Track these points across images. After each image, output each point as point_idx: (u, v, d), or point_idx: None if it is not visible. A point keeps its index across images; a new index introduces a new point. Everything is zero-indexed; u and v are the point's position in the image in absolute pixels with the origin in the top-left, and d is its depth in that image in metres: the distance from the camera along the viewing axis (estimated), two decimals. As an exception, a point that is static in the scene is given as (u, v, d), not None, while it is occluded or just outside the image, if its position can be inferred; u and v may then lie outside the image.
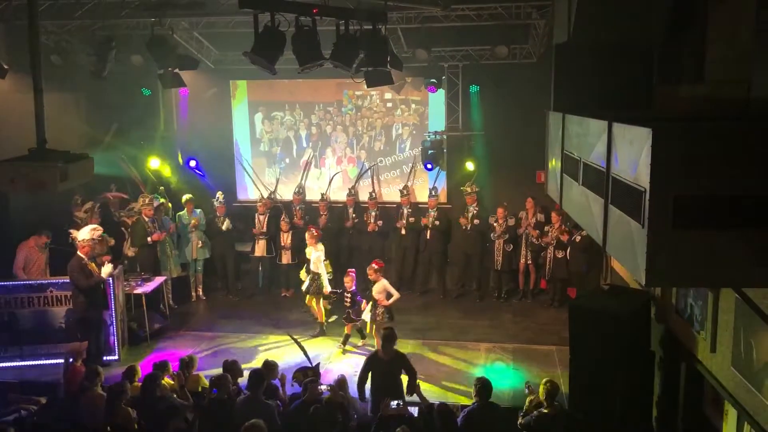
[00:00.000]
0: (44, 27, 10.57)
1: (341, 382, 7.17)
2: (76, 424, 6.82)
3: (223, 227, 12.05)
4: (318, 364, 7.87)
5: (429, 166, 12.15)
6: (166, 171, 13.08)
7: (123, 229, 11.59)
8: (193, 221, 11.93)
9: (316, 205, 12.64)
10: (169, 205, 12.31)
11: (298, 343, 8.38)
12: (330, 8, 7.56)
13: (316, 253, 10.41)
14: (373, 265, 9.63)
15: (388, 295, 9.54)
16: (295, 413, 6.71)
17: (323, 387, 7.08)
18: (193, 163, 12.93)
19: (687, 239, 3.90)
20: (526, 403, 6.94)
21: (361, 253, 12.50)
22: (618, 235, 4.60)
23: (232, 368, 7.52)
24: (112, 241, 10.87)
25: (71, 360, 7.67)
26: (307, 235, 10.77)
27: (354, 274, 10.27)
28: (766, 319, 4.84)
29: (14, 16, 10.21)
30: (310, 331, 10.57)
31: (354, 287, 10.06)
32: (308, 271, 10.58)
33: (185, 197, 12.13)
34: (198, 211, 12.19)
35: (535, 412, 6.67)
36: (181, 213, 12.11)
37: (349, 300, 9.97)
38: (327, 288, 10.42)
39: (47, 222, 10.56)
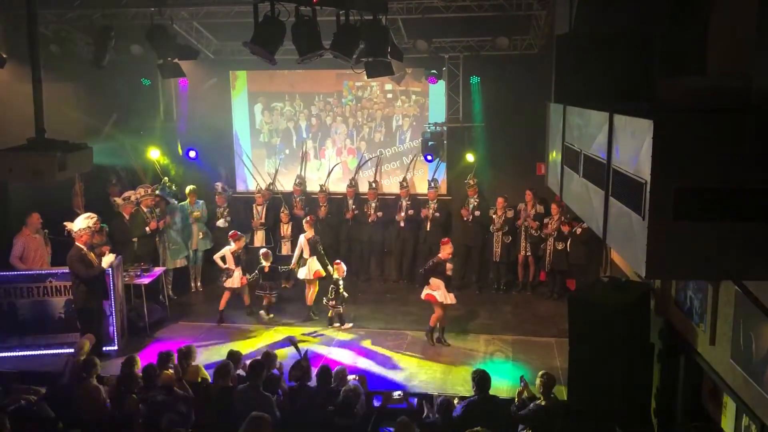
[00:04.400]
0: (43, 16, 10.53)
1: (341, 372, 7.18)
2: (73, 415, 6.83)
3: (219, 223, 12.11)
4: (306, 351, 7.87)
5: (429, 157, 12.13)
6: (166, 161, 13.05)
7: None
8: (196, 212, 11.97)
9: (316, 196, 12.63)
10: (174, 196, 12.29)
11: (295, 345, 8.28)
12: (330, -2, 7.50)
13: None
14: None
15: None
16: (322, 401, 6.69)
17: (351, 377, 7.10)
18: (192, 154, 12.88)
19: (687, 231, 3.89)
20: (516, 397, 6.95)
21: (361, 244, 12.52)
22: (618, 227, 4.58)
23: (235, 358, 7.53)
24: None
25: (73, 355, 7.65)
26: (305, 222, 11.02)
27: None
28: (765, 312, 4.83)
29: (13, 5, 10.15)
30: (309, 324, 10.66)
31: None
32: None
33: (188, 188, 12.13)
34: (200, 202, 12.20)
35: (532, 404, 6.69)
36: (183, 203, 12.10)
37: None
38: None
39: (48, 212, 10.52)
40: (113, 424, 6.71)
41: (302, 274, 10.80)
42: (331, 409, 6.46)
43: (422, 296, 9.77)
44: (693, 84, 5.98)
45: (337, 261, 10.68)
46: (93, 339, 8.03)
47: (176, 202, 12.05)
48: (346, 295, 10.52)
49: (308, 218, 11.14)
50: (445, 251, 9.64)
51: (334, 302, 10.42)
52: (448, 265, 9.65)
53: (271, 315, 10.82)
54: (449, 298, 9.60)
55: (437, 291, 9.53)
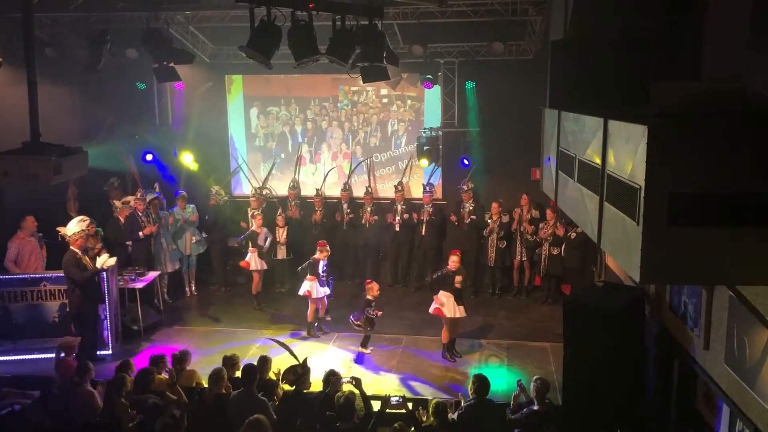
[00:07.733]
0: (38, 20, 10.53)
1: (334, 377, 7.15)
2: (66, 419, 6.81)
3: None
4: (305, 359, 7.85)
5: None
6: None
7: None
8: (190, 216, 11.96)
9: (311, 200, 12.63)
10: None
11: (283, 344, 8.27)
12: (326, 3, 7.51)
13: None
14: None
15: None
16: (320, 406, 6.67)
17: (345, 380, 7.07)
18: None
19: (682, 236, 3.90)
20: (512, 400, 6.97)
21: (356, 248, 12.52)
22: (613, 232, 4.60)
23: (230, 363, 7.50)
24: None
25: (63, 354, 7.64)
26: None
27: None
28: (759, 317, 4.84)
29: (8, 8, 10.14)
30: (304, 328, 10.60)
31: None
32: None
33: (178, 194, 12.10)
34: (191, 206, 12.15)
35: (525, 409, 6.70)
36: (174, 209, 12.07)
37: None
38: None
39: (43, 216, 10.50)
40: (105, 428, 6.69)
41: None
42: (331, 414, 6.43)
43: (430, 311, 9.47)
44: (687, 88, 6.02)
45: (369, 280, 10.04)
46: (77, 341, 8.02)
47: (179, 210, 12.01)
48: (378, 314, 9.75)
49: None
50: (452, 261, 9.38)
51: (360, 324, 9.72)
52: (457, 277, 9.30)
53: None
54: (458, 312, 9.30)
55: (445, 306, 9.26)
